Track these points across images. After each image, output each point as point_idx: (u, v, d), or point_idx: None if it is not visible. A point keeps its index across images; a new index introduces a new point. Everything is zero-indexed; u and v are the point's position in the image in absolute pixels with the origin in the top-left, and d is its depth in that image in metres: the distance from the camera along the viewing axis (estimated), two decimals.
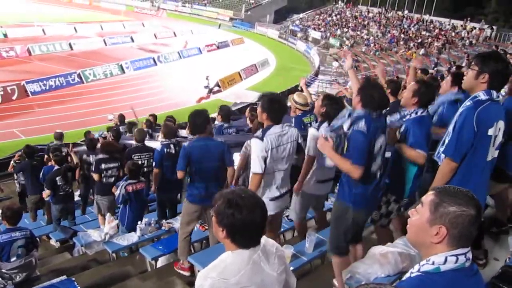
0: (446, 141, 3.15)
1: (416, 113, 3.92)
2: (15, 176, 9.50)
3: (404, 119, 3.98)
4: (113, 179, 7.34)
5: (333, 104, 4.66)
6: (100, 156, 7.50)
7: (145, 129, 9.71)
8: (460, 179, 3.08)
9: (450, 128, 3.13)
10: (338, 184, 6.11)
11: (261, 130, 4.22)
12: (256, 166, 4.12)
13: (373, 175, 3.64)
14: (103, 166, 7.31)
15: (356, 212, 3.72)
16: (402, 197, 4.18)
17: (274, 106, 4.19)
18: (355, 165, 3.46)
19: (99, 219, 7.66)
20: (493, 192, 4.44)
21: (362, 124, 3.46)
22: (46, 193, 7.71)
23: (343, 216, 3.75)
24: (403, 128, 3.95)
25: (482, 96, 3.02)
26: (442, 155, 3.18)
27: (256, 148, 4.11)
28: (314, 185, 4.84)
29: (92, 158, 8.17)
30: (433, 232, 1.73)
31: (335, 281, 4.23)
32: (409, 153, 3.84)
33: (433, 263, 1.73)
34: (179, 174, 5.05)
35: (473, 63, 3.17)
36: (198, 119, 4.95)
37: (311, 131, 4.68)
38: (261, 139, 4.10)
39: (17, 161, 9.42)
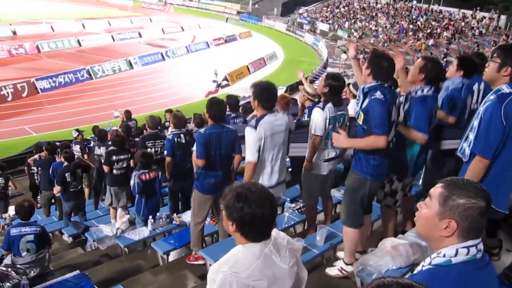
0: (471, 136, 3.10)
1: (422, 90, 3.92)
2: (34, 169, 9.60)
3: (409, 96, 3.99)
4: (123, 170, 7.40)
5: (335, 81, 4.66)
6: (111, 148, 7.55)
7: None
8: (496, 175, 3.04)
9: (475, 123, 3.08)
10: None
11: (255, 119, 4.26)
12: (249, 155, 4.19)
13: (388, 145, 3.64)
14: (114, 157, 7.37)
15: (374, 183, 3.79)
16: (405, 175, 4.20)
17: (265, 94, 4.23)
18: (378, 135, 3.47)
19: (111, 212, 7.72)
20: None
21: (378, 93, 3.48)
22: (56, 189, 7.78)
23: (360, 188, 3.79)
24: (407, 106, 3.95)
25: (506, 89, 2.97)
26: (467, 152, 3.13)
27: (250, 137, 4.17)
28: (321, 164, 4.84)
29: (102, 150, 8.25)
30: (442, 226, 1.72)
31: (339, 254, 4.26)
32: (409, 134, 3.88)
33: (444, 256, 1.72)
34: (200, 162, 4.96)
35: (495, 55, 3.11)
36: (220, 107, 5.02)
37: (317, 111, 4.64)
38: (255, 127, 4.14)
39: (42, 157, 9.54)
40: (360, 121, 3.62)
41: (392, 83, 3.74)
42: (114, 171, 7.41)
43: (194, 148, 6.13)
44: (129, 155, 7.51)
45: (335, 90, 4.63)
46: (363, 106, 3.59)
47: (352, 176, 3.89)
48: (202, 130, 5.01)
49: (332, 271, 4.20)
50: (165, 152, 6.75)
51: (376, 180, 3.80)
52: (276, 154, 4.32)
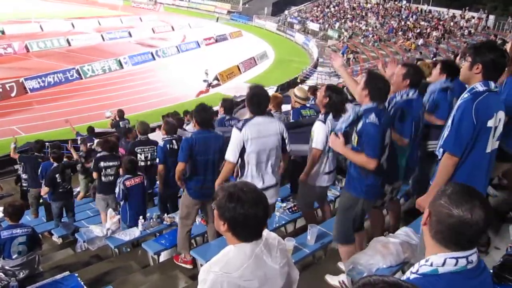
0: (445, 135, 3.13)
1: (407, 94, 4.03)
2: (19, 168, 9.55)
3: (394, 100, 4.07)
4: (112, 177, 7.31)
5: (336, 94, 4.67)
6: (101, 153, 7.50)
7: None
8: (466, 174, 3.04)
9: (449, 121, 3.09)
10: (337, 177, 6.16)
11: (243, 120, 4.32)
12: (229, 155, 4.23)
13: (382, 166, 3.68)
14: (102, 164, 7.29)
15: (367, 201, 3.81)
16: (396, 179, 4.27)
17: (255, 99, 4.29)
18: (370, 158, 3.49)
19: (102, 218, 7.63)
20: (497, 173, 4.47)
21: (373, 116, 3.49)
22: (44, 190, 7.69)
23: (353, 207, 3.80)
24: (392, 111, 4.02)
25: (480, 87, 2.97)
26: (441, 150, 3.16)
27: (234, 137, 4.20)
28: (321, 177, 4.86)
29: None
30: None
31: (340, 265, 4.27)
32: (394, 137, 3.94)
33: (431, 265, 1.67)
34: (180, 166, 4.99)
35: (467, 54, 3.14)
36: (206, 114, 5.01)
37: (318, 125, 4.67)
38: (240, 129, 4.16)
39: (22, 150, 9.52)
40: (354, 143, 3.64)
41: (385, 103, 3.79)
42: (103, 178, 7.33)
43: None
44: (119, 163, 7.41)
45: (335, 103, 4.63)
46: (357, 128, 3.60)
47: (345, 195, 3.92)
48: (189, 135, 5.01)
49: (332, 280, 4.19)
50: (157, 160, 6.72)
51: (369, 199, 3.82)
52: (265, 158, 4.31)
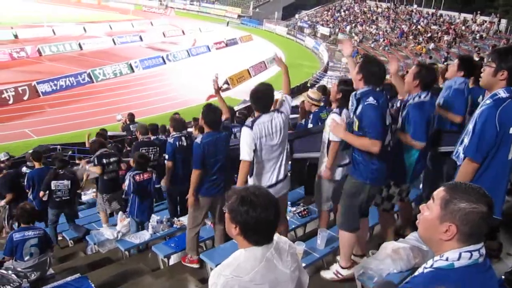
0: (466, 140, 3.08)
1: (419, 97, 3.97)
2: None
3: (407, 103, 4.03)
4: (114, 174, 7.32)
5: (349, 88, 4.66)
6: (100, 151, 7.31)
7: None
8: (489, 181, 3.00)
9: (470, 127, 3.06)
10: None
11: (251, 119, 4.35)
12: (244, 154, 4.21)
13: (386, 149, 3.66)
14: (104, 160, 7.17)
15: (373, 187, 3.80)
16: (403, 181, 4.23)
17: (258, 96, 4.32)
18: (373, 140, 3.48)
19: (102, 217, 7.45)
20: None
21: (371, 99, 3.50)
22: (41, 193, 7.41)
23: (359, 192, 3.80)
24: (404, 113, 3.99)
25: (503, 94, 2.94)
26: (461, 155, 3.13)
27: (245, 136, 4.20)
28: (335, 170, 4.84)
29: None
30: (442, 229, 1.72)
31: (338, 258, 4.26)
32: (408, 140, 3.93)
33: (447, 259, 1.71)
34: (197, 173, 4.98)
35: (490, 59, 3.08)
36: (215, 115, 5.02)
37: (334, 117, 4.63)
38: (251, 127, 4.18)
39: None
40: (355, 128, 3.64)
41: (386, 88, 3.76)
42: (105, 176, 7.21)
43: None
44: (118, 158, 7.45)
45: (348, 94, 4.64)
46: (357, 112, 3.61)
47: (351, 181, 3.89)
48: (198, 139, 5.00)
49: (327, 274, 4.20)
50: (166, 157, 6.71)
51: (375, 184, 3.81)
52: (276, 154, 4.33)
